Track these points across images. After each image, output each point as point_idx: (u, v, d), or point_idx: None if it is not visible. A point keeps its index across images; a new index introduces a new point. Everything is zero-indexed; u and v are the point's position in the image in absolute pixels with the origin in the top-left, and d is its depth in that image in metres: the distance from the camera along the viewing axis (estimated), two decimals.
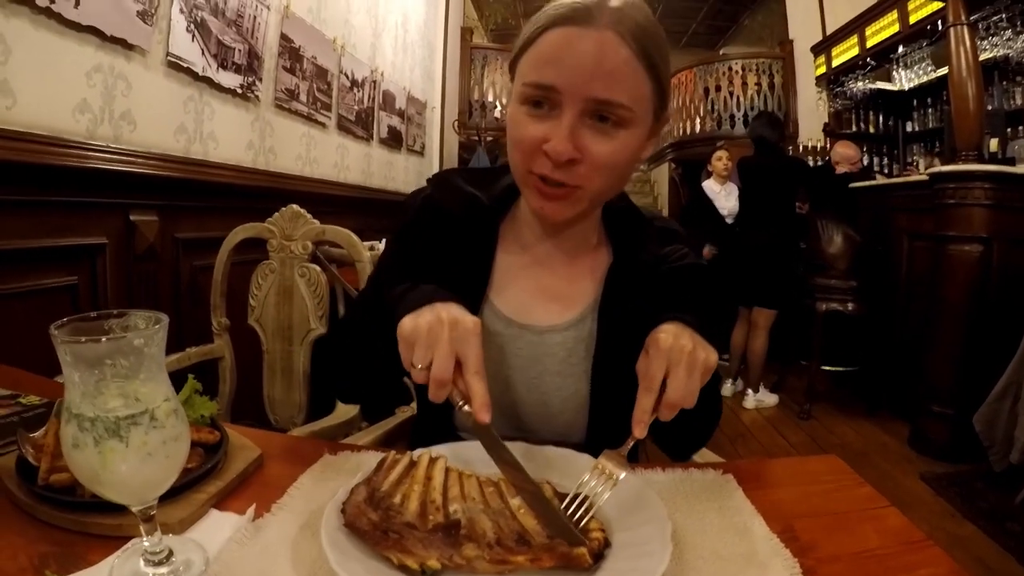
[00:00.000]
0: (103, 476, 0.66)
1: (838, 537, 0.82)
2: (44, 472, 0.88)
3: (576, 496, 0.79)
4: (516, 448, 0.91)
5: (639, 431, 0.82)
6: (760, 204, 4.54)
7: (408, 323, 0.86)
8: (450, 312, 0.87)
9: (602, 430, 1.06)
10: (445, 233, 1.15)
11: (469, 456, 0.93)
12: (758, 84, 8.13)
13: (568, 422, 1.11)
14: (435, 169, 7.16)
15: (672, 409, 0.83)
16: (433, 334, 0.84)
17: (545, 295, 1.14)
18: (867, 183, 4.79)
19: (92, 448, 0.65)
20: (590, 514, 0.77)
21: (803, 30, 7.66)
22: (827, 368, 4.95)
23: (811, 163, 6.87)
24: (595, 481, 0.80)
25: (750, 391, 4.63)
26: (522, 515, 0.80)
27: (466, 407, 0.82)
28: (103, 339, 0.65)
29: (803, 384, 4.58)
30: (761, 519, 0.83)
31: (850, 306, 4.30)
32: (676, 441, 1.12)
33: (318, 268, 2.04)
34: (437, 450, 0.93)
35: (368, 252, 2.00)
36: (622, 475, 0.80)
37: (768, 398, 4.63)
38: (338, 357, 1.20)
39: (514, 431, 1.09)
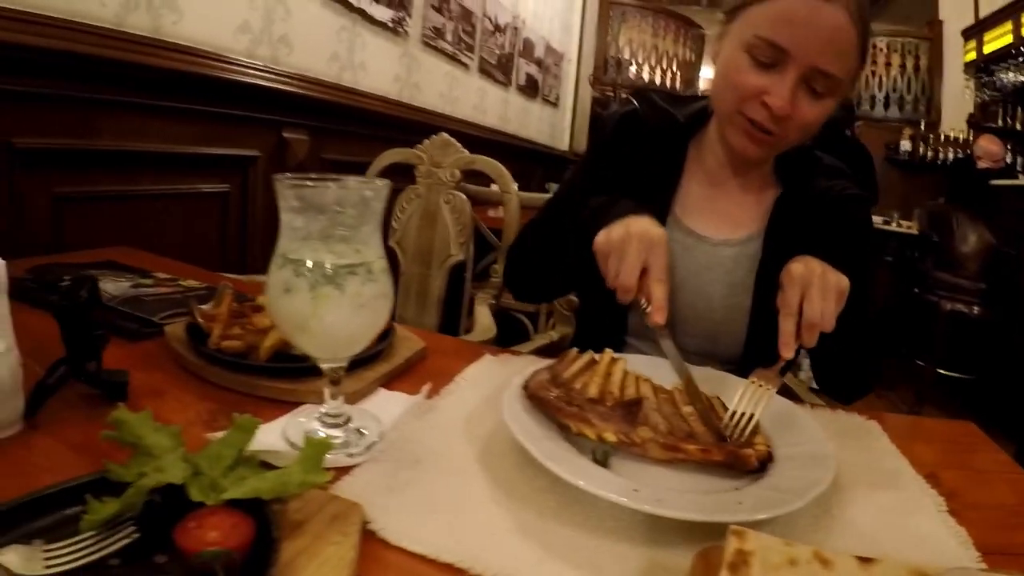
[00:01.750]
0: (311, 323, 0.68)
1: (978, 490, 0.84)
2: (216, 338, 0.94)
3: (734, 412, 0.83)
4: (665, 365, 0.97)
5: (786, 352, 0.87)
6: None
7: (601, 237, 0.98)
8: (640, 225, 0.98)
9: (758, 345, 1.14)
10: (641, 145, 1.26)
11: (643, 369, 0.97)
12: (902, 65, 7.43)
13: (729, 331, 1.21)
14: (568, 122, 7.13)
15: (812, 330, 0.87)
16: (622, 247, 0.95)
17: (720, 215, 1.25)
18: (1009, 182, 4.42)
19: (306, 293, 0.67)
20: (751, 425, 0.81)
21: (954, 11, 6.98)
22: (942, 372, 4.55)
23: (951, 155, 6.44)
24: (751, 395, 0.84)
25: None
26: (692, 420, 0.82)
27: (647, 308, 0.93)
28: (334, 185, 0.68)
29: (915, 388, 4.29)
30: (907, 462, 0.87)
31: (976, 309, 4.03)
32: (836, 379, 1.19)
33: (464, 196, 2.04)
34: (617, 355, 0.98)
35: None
36: (775, 389, 0.86)
37: None
38: (526, 254, 1.34)
39: (683, 336, 1.20)
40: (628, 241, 0.95)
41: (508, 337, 1.85)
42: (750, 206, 1.25)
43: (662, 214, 1.22)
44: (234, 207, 2.46)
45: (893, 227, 5.77)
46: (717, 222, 1.24)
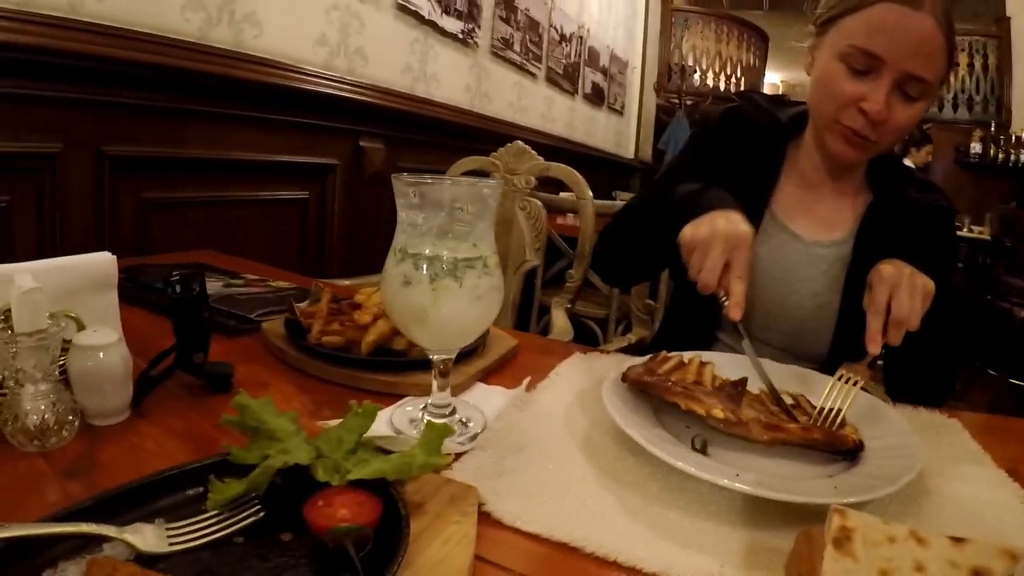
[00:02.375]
0: (430, 314, 0.71)
1: None
2: (316, 333, 0.96)
3: (823, 408, 0.85)
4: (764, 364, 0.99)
5: (873, 347, 0.90)
6: None
7: (688, 231, 1.01)
8: (726, 222, 1.00)
9: (844, 345, 1.16)
10: (743, 141, 1.30)
11: (730, 373, 0.97)
12: (970, 65, 7.12)
13: (815, 330, 1.24)
14: (633, 129, 7.10)
15: (898, 328, 0.90)
16: (708, 243, 0.97)
17: (814, 215, 1.28)
18: None
19: (426, 286, 0.70)
20: (840, 416, 0.83)
21: (1022, 7, 6.70)
22: (1015, 381, 4.37)
23: None
24: (839, 389, 0.86)
25: None
26: (782, 418, 0.83)
27: (726, 302, 0.96)
28: (454, 183, 0.72)
29: (987, 396, 4.13)
30: (989, 457, 0.86)
31: None
32: (912, 387, 1.16)
33: (539, 202, 2.05)
34: (705, 356, 1.00)
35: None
36: (863, 382, 0.87)
37: None
38: (617, 238, 1.36)
39: (769, 331, 1.26)
40: (714, 238, 0.97)
41: (579, 342, 1.84)
42: (843, 209, 1.29)
43: (759, 210, 1.27)
44: (313, 213, 2.53)
45: (964, 232, 5.59)
46: (811, 222, 1.28)
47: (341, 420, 0.61)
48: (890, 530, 0.51)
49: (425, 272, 0.70)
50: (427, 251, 0.70)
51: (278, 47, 2.25)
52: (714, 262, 0.96)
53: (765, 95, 1.39)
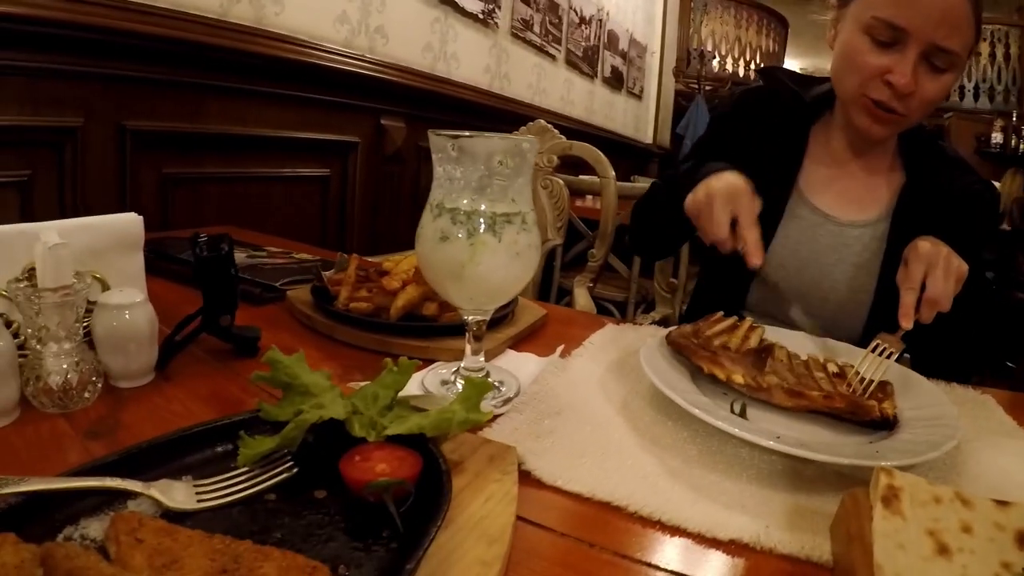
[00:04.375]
0: (467, 270, 0.69)
1: None
2: (344, 299, 0.95)
3: (859, 373, 0.85)
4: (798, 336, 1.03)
5: (906, 322, 0.88)
6: None
7: (689, 200, 1.03)
8: (721, 180, 1.01)
9: (879, 327, 1.08)
10: (764, 122, 1.29)
11: (779, 339, 0.98)
12: (991, 54, 7.12)
13: (851, 312, 1.22)
14: (652, 114, 7.03)
15: (932, 307, 0.89)
16: (709, 203, 0.99)
17: (847, 196, 1.26)
18: None
19: (464, 241, 0.68)
20: (876, 380, 0.82)
21: None
22: None
23: None
24: (874, 358, 0.86)
25: None
26: (823, 381, 0.83)
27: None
28: (494, 137, 0.69)
29: (1005, 388, 3.99)
30: None
31: None
32: (946, 360, 1.16)
33: (561, 181, 2.02)
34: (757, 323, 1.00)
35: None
36: (897, 352, 0.87)
37: None
38: (645, 215, 1.37)
39: (805, 316, 1.25)
40: (712, 197, 0.98)
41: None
42: (876, 187, 1.26)
43: (786, 190, 1.26)
44: (334, 191, 2.51)
45: None
46: (844, 202, 1.25)
47: (375, 378, 0.59)
48: (936, 491, 0.51)
49: (463, 226, 0.68)
50: (465, 205, 0.68)
51: (299, 24, 2.22)
52: (719, 219, 0.96)
53: (790, 72, 1.37)
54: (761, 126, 1.29)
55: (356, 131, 2.53)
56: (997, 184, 4.74)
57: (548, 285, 2.29)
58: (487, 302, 0.74)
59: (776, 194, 1.23)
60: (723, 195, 0.98)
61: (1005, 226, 4.68)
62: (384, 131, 2.63)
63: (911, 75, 1.04)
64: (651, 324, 1.15)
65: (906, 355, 1.15)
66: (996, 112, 6.91)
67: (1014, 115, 6.68)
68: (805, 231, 1.24)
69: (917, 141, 1.28)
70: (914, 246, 0.96)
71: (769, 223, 1.20)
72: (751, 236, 0.95)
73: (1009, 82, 7.07)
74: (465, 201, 0.69)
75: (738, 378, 0.77)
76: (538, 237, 0.73)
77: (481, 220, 0.68)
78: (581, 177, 2.24)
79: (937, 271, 0.91)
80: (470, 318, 0.75)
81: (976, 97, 7.15)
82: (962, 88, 7.18)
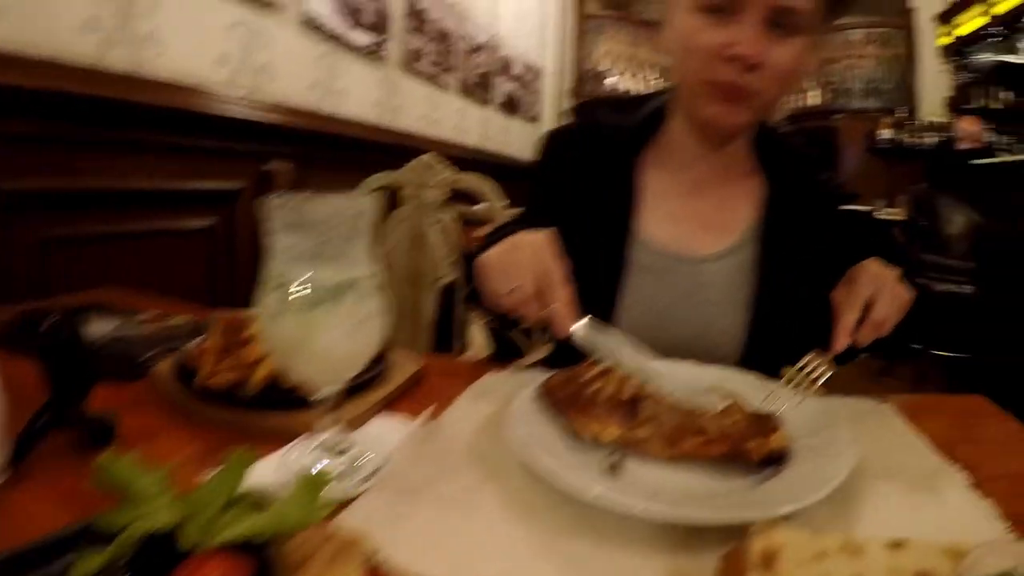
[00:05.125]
0: (306, 346, 0.66)
1: (998, 459, 0.83)
2: (205, 374, 0.91)
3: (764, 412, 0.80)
4: (686, 366, 0.96)
5: (843, 342, 0.85)
6: None
7: (482, 260, 0.90)
8: (521, 236, 0.89)
9: (755, 363, 1.00)
10: (586, 165, 1.14)
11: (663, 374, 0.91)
12: (878, 55, 7.60)
13: (722, 355, 1.05)
14: None
15: (875, 329, 0.86)
16: (510, 258, 0.87)
17: (699, 222, 1.12)
18: (990, 160, 4.49)
19: (300, 315, 0.65)
20: (780, 411, 0.79)
21: None
22: (939, 353, 4.56)
23: (932, 140, 6.48)
24: (801, 378, 0.84)
25: None
26: (707, 420, 0.78)
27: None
28: (323, 201, 0.66)
29: (912, 371, 4.33)
30: (924, 440, 0.85)
31: (968, 288, 4.02)
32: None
33: (451, 216, 2.02)
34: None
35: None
36: (828, 372, 0.84)
37: None
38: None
39: (668, 372, 1.07)
40: (512, 252, 0.88)
41: (503, 355, 1.84)
42: (735, 202, 1.13)
43: (621, 238, 1.10)
44: (221, 241, 2.43)
45: (880, 215, 5.81)
46: (695, 234, 1.11)
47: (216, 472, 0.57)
48: (820, 544, 0.48)
49: (298, 300, 0.65)
50: (299, 277, 0.65)
51: (179, 67, 2.16)
52: (516, 277, 0.85)
53: (611, 100, 1.27)
54: (580, 169, 1.14)
55: (241, 176, 2.46)
56: None
57: (450, 322, 2.28)
58: (335, 377, 0.71)
59: (613, 245, 1.09)
60: (526, 248, 0.87)
61: (900, 216, 4.93)
62: (271, 175, 2.57)
63: (756, 42, 0.92)
64: (540, 363, 1.08)
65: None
66: (885, 110, 7.29)
67: (901, 111, 7.08)
68: (655, 280, 1.10)
69: (771, 141, 1.16)
70: (863, 267, 0.92)
71: (610, 280, 1.09)
72: (562, 295, 0.84)
73: (896, 80, 7.49)
74: (298, 273, 0.65)
75: (611, 432, 0.74)
76: (382, 302, 0.71)
77: (316, 292, 0.65)
78: (474, 208, 2.25)
79: (885, 295, 0.88)
80: (321, 393, 0.72)
81: (865, 97, 7.57)
82: (851, 89, 7.64)
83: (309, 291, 0.65)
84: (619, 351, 0.85)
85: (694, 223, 1.12)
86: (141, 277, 2.02)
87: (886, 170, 6.88)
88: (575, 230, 1.04)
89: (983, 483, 0.73)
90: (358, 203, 0.68)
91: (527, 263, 0.85)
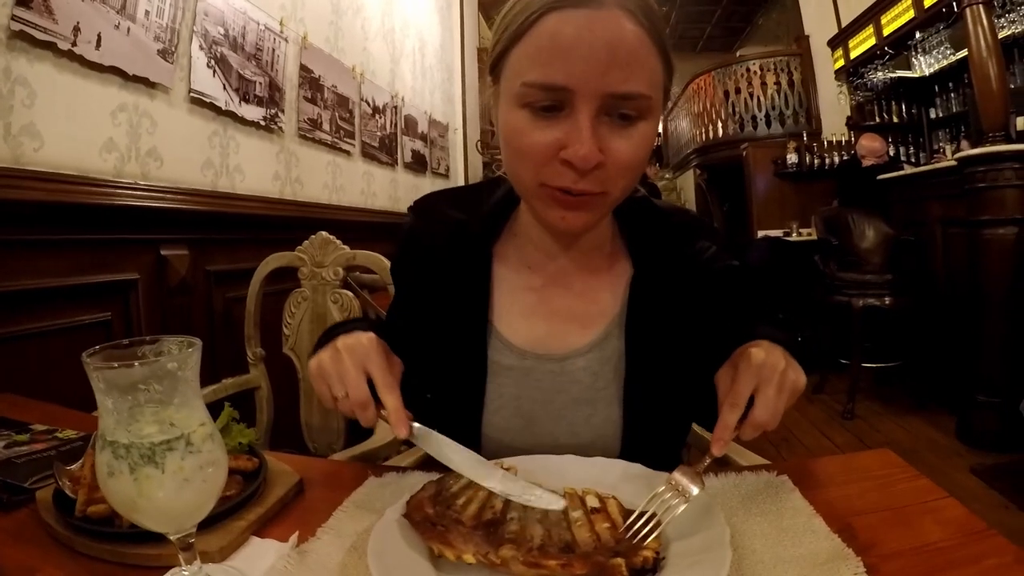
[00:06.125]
0: (139, 504, 0.65)
1: (898, 532, 0.78)
2: (81, 504, 0.88)
3: (643, 513, 0.75)
4: (565, 460, 0.92)
5: (718, 449, 0.78)
6: None
7: (312, 364, 0.88)
8: (346, 340, 0.87)
9: (637, 454, 0.93)
10: (434, 266, 1.07)
11: (538, 470, 0.90)
12: (777, 83, 8.04)
13: (601, 450, 0.97)
14: None
15: (756, 429, 0.79)
16: (335, 365, 0.85)
17: (561, 317, 1.05)
18: (895, 174, 4.75)
19: (128, 476, 0.64)
20: (656, 532, 0.73)
21: (818, 24, 7.55)
22: (868, 365, 4.82)
23: (837, 159, 6.81)
24: (667, 496, 0.76)
25: None
26: (578, 527, 0.76)
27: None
28: (136, 363, 0.65)
29: (845, 384, 4.48)
30: (821, 519, 0.79)
31: (887, 300, 4.24)
32: None
33: (351, 294, 2.04)
34: (509, 462, 0.90)
35: None
36: (695, 491, 0.76)
37: None
38: None
39: (542, 468, 0.96)
40: (337, 357, 0.85)
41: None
42: (598, 291, 1.05)
43: (481, 339, 1.04)
44: (119, 335, 2.34)
45: (794, 237, 6.09)
46: (559, 329, 1.04)
47: None
48: None
49: (124, 461, 0.64)
50: (122, 439, 0.64)
51: (62, 158, 2.10)
52: (353, 377, 0.83)
53: (455, 193, 1.17)
54: (435, 268, 1.07)
55: (134, 266, 2.40)
56: None
57: None
58: (179, 525, 0.69)
59: (472, 346, 1.03)
60: (351, 352, 0.85)
61: (813, 236, 5.13)
62: (166, 262, 2.52)
63: (591, 141, 0.80)
64: (415, 469, 1.02)
65: None
66: (789, 135, 7.63)
67: (805, 135, 7.38)
68: (518, 381, 1.02)
69: (634, 214, 1.06)
70: (746, 353, 0.83)
71: (474, 382, 1.03)
72: (390, 401, 0.82)
73: (796, 105, 7.91)
74: (121, 433, 0.64)
75: (468, 557, 0.70)
76: (213, 452, 0.69)
77: (140, 453, 0.64)
78: (363, 276, 2.24)
79: (770, 388, 0.79)
80: (173, 537, 0.69)
81: (769, 124, 7.96)
82: (755, 118, 8.08)
83: (135, 451, 0.64)
84: (451, 457, 0.84)
85: (556, 318, 1.04)
86: (39, 379, 1.96)
87: (796, 193, 7.16)
88: (436, 331, 1.04)
89: (882, 564, 0.71)
90: (172, 360, 0.67)
91: (351, 370, 0.83)
